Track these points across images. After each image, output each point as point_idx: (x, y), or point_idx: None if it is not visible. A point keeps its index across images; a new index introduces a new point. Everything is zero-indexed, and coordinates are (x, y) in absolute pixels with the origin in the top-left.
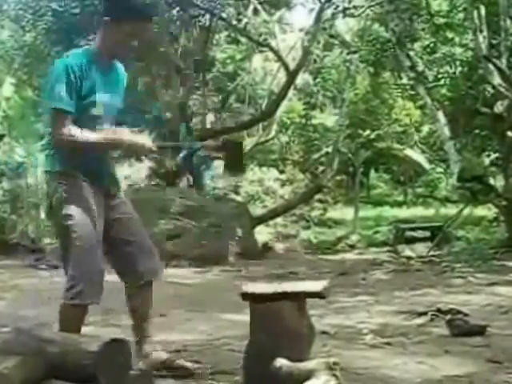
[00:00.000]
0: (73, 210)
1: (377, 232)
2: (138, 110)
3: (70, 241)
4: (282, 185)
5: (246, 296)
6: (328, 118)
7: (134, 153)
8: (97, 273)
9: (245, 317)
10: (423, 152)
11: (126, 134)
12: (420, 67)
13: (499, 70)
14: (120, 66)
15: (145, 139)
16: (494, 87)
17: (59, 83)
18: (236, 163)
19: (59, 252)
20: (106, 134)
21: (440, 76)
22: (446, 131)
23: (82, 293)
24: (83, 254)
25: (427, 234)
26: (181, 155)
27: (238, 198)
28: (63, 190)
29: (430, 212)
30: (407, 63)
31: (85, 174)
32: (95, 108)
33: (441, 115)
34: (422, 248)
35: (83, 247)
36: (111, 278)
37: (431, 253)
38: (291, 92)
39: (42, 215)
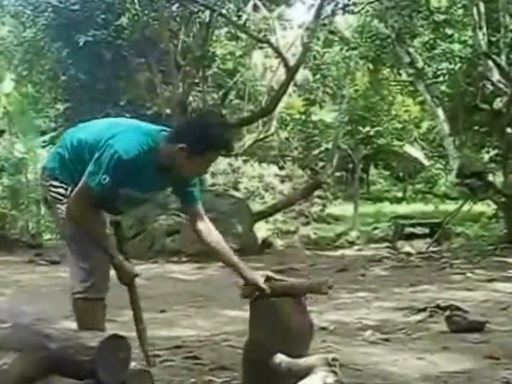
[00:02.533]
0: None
1: (376, 228)
2: (139, 106)
3: (78, 234)
4: (282, 181)
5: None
6: (327, 115)
7: (118, 276)
8: (107, 266)
9: (244, 313)
10: (422, 148)
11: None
12: (419, 64)
13: (498, 66)
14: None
15: (133, 268)
16: (493, 84)
17: (107, 171)
18: None
19: (64, 246)
20: (109, 244)
21: (439, 72)
22: (446, 127)
23: (95, 286)
24: (92, 248)
25: (426, 230)
26: None
27: (238, 194)
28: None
29: (430, 208)
30: (407, 59)
31: None
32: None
33: (440, 111)
34: (421, 244)
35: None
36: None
37: (430, 249)
38: (291, 88)
39: (43, 211)
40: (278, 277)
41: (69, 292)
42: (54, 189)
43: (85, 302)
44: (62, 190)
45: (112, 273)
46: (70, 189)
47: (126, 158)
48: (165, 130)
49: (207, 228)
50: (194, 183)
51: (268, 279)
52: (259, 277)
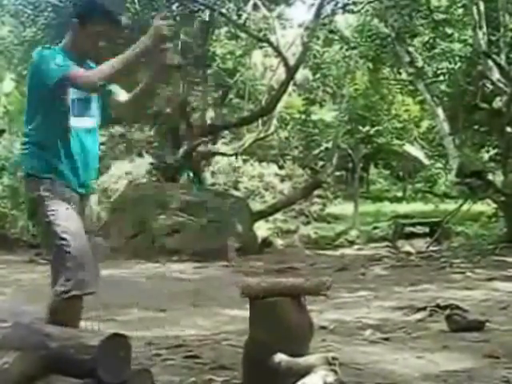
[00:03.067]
0: (55, 206)
1: (376, 227)
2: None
3: (58, 236)
4: (282, 180)
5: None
6: (327, 114)
7: (160, 41)
8: (91, 263)
9: (244, 312)
10: (422, 147)
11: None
12: (419, 63)
13: (498, 65)
14: (93, 66)
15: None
16: (493, 83)
17: (51, 60)
18: None
19: (47, 250)
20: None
21: (439, 72)
22: (445, 127)
23: (81, 283)
24: (75, 248)
25: (426, 229)
26: (181, 151)
27: (238, 194)
28: (44, 189)
29: (429, 207)
30: (406, 59)
31: (62, 176)
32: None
33: (440, 111)
34: (421, 243)
35: (74, 241)
36: (108, 272)
37: (430, 248)
38: (291, 87)
39: None
40: None
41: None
42: (36, 191)
43: (68, 300)
44: (40, 186)
45: (112, 272)
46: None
47: (48, 51)
48: None
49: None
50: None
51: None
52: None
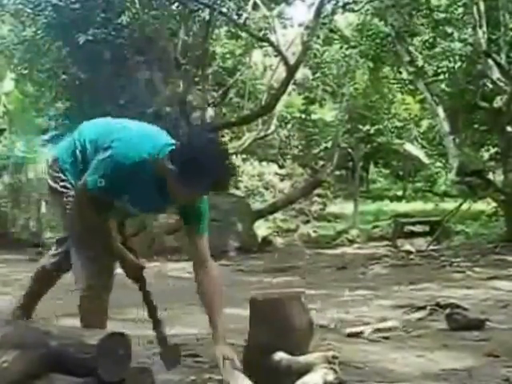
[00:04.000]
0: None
1: (376, 226)
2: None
3: (81, 232)
4: (282, 179)
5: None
6: (328, 113)
7: (124, 269)
8: (111, 265)
9: (244, 311)
10: (422, 147)
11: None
12: (419, 62)
13: (498, 64)
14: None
15: (136, 261)
16: (493, 82)
17: (104, 174)
18: None
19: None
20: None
21: (439, 71)
22: (446, 126)
23: (99, 285)
24: (96, 247)
25: (426, 228)
26: None
27: (238, 193)
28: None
29: (429, 206)
30: (407, 58)
31: None
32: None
33: (440, 110)
34: (421, 242)
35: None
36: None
37: (430, 247)
38: (291, 87)
39: (43, 209)
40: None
41: (74, 289)
42: (60, 182)
43: (89, 301)
44: (67, 184)
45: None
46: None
47: (122, 163)
48: (173, 144)
49: (207, 277)
50: (200, 211)
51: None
52: (224, 355)
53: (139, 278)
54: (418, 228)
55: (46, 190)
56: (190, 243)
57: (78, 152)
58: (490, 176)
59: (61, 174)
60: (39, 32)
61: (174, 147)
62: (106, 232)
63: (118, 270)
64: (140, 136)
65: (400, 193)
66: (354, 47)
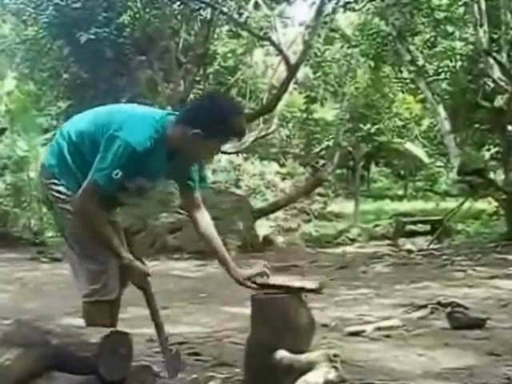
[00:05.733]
0: None
1: (377, 225)
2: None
3: (84, 235)
4: (283, 178)
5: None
6: (328, 112)
7: (128, 277)
8: (115, 267)
9: (246, 309)
10: (423, 146)
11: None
12: (420, 61)
13: (499, 63)
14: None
15: (144, 268)
16: (494, 81)
17: (120, 166)
18: None
19: (68, 246)
20: (118, 243)
21: (440, 70)
22: (447, 125)
23: (104, 288)
24: (99, 249)
25: (427, 227)
26: None
27: (239, 192)
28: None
29: (430, 206)
30: (407, 57)
31: None
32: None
33: (441, 109)
34: (422, 241)
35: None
36: None
37: (431, 246)
38: (292, 86)
39: (45, 209)
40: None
41: (77, 292)
42: (55, 187)
43: (94, 305)
44: (62, 189)
45: None
46: (72, 188)
47: (139, 150)
48: (170, 113)
49: (204, 219)
50: (194, 170)
51: (261, 274)
52: (244, 275)
53: (145, 288)
54: (419, 227)
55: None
56: (185, 196)
57: (65, 152)
58: (491, 175)
59: (52, 181)
60: (41, 31)
61: (180, 114)
62: (112, 233)
63: None
64: (139, 117)
65: (401, 192)
66: (354, 46)
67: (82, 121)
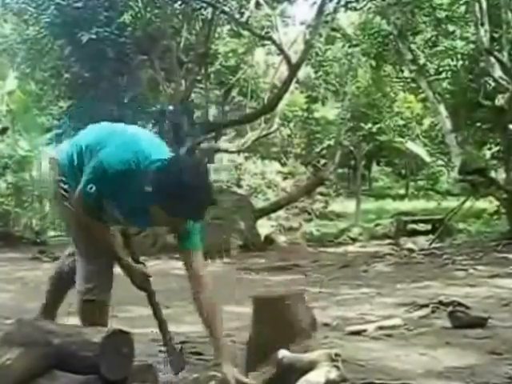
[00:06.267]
0: None
1: (378, 225)
2: (142, 103)
3: (83, 234)
4: (284, 178)
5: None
6: (330, 111)
7: (129, 277)
8: (111, 268)
9: (247, 309)
10: (425, 145)
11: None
12: (421, 60)
13: (501, 63)
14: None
15: (144, 269)
16: (495, 80)
17: (92, 180)
18: None
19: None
20: (117, 245)
21: (441, 69)
22: (448, 124)
23: (97, 288)
24: (97, 249)
25: (429, 226)
26: (183, 148)
27: (241, 191)
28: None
29: (432, 205)
30: (409, 56)
31: None
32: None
33: (442, 108)
34: (423, 241)
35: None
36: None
37: (433, 245)
38: (293, 85)
39: (46, 208)
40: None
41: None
42: (63, 184)
43: (87, 303)
44: (68, 188)
45: (115, 269)
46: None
47: (106, 170)
48: (160, 160)
49: (204, 294)
50: (188, 230)
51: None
52: (233, 376)
53: (147, 288)
54: (420, 226)
55: (49, 191)
56: (183, 259)
57: (75, 156)
58: (493, 174)
59: (62, 178)
60: (42, 31)
61: (160, 164)
62: (109, 237)
63: (119, 268)
64: (127, 144)
65: (402, 191)
66: (356, 46)
67: (91, 133)
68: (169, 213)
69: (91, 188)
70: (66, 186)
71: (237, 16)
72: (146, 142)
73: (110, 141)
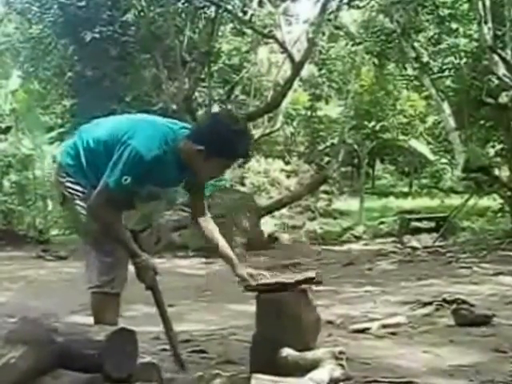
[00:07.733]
0: None
1: (382, 223)
2: (145, 102)
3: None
4: (288, 176)
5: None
6: (333, 110)
7: (140, 276)
8: (126, 262)
9: (251, 307)
10: (428, 143)
11: (147, 258)
12: (425, 58)
13: (504, 60)
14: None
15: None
16: (498, 78)
17: (129, 172)
18: None
19: (78, 242)
20: (131, 242)
21: (445, 67)
22: (451, 122)
23: (114, 281)
24: (112, 244)
25: (432, 224)
26: None
27: (244, 189)
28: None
29: (435, 203)
30: (412, 54)
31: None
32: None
33: (446, 106)
34: (427, 238)
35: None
36: None
37: (436, 243)
38: (296, 83)
39: (50, 207)
40: (265, 273)
41: (86, 286)
42: (72, 185)
43: (103, 296)
44: (79, 187)
45: None
46: (88, 188)
47: (147, 158)
48: (185, 127)
49: (209, 226)
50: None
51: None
52: (247, 273)
53: (153, 286)
54: (424, 224)
55: (53, 190)
56: (194, 205)
57: (82, 155)
58: (496, 172)
59: (67, 179)
60: (45, 30)
61: (191, 130)
62: (124, 233)
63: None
64: (153, 127)
65: (406, 189)
66: (359, 44)
67: (99, 128)
68: (227, 155)
69: (126, 180)
70: (74, 186)
71: (240, 14)
72: (162, 120)
73: (135, 130)
